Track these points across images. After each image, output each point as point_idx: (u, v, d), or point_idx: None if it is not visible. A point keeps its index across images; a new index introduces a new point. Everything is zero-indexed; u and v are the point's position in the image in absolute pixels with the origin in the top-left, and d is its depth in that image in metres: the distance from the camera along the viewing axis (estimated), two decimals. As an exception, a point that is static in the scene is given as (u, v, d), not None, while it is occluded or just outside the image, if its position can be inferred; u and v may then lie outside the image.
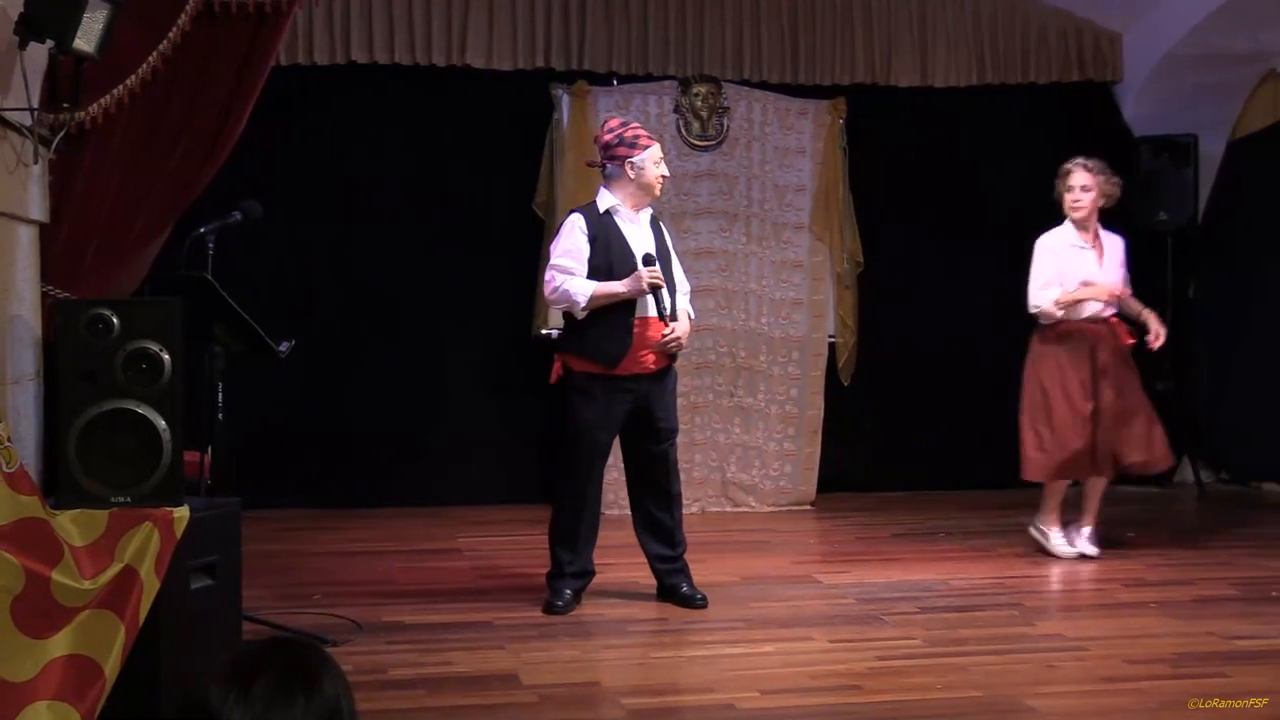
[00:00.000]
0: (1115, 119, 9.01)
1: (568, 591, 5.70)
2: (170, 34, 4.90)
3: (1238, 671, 4.71)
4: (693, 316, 5.88)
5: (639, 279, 5.49)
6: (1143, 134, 8.85)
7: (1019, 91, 8.86)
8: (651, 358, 5.61)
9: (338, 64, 7.94)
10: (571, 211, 5.82)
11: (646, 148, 5.65)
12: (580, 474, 5.68)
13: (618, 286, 5.52)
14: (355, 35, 7.92)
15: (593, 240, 5.60)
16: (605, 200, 5.68)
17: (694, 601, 5.70)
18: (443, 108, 8.18)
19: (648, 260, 5.52)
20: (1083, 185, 6.78)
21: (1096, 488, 6.83)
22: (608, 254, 5.58)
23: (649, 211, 5.78)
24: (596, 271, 5.57)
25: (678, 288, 5.79)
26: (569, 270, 5.57)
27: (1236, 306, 8.89)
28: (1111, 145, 8.89)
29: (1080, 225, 6.82)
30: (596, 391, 5.60)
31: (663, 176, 5.69)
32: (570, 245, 5.61)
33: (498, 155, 8.22)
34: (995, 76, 8.80)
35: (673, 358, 5.73)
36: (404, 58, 8.01)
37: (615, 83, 8.26)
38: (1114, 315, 6.83)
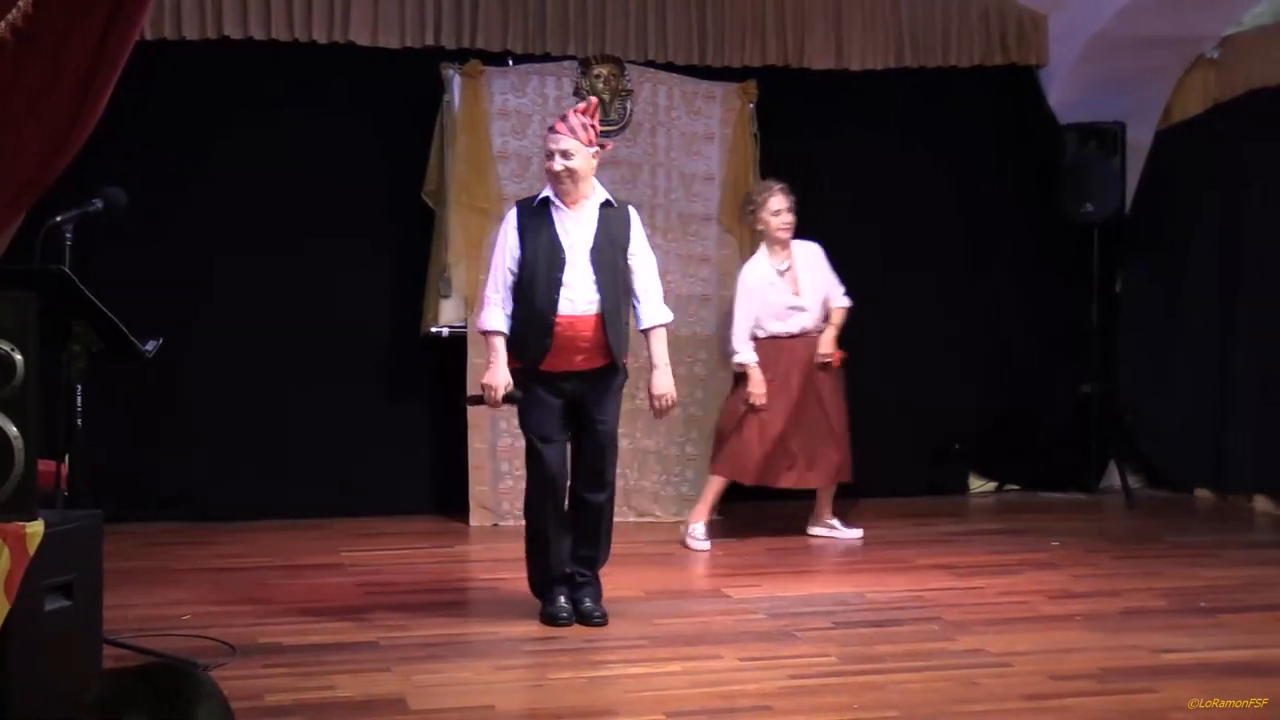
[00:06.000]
0: (1040, 105, 9.14)
1: (561, 599, 5.75)
2: (20, 2, 4.80)
3: (1166, 686, 4.81)
4: (666, 320, 5.93)
5: (489, 395, 5.70)
6: (1069, 121, 8.99)
7: (939, 75, 8.94)
8: (580, 358, 5.65)
9: (209, 39, 7.83)
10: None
11: (545, 140, 5.82)
12: (533, 473, 5.78)
13: (493, 363, 5.72)
14: (228, 8, 7.81)
15: (522, 231, 5.73)
16: (545, 191, 5.80)
17: (591, 618, 5.71)
18: (324, 89, 8.10)
19: (508, 399, 5.67)
20: (788, 207, 7.53)
21: None
22: (534, 247, 5.69)
23: (597, 200, 5.78)
24: (522, 265, 5.70)
25: (637, 294, 5.83)
26: (494, 289, 5.77)
27: (1165, 302, 9.06)
28: (1036, 132, 9.07)
29: (783, 246, 7.58)
30: (529, 386, 5.72)
31: (551, 168, 5.69)
32: (498, 252, 5.80)
33: (384, 140, 8.16)
34: (914, 59, 8.87)
35: (613, 359, 5.72)
36: (281, 34, 7.92)
37: (511, 62, 8.23)
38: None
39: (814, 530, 7.77)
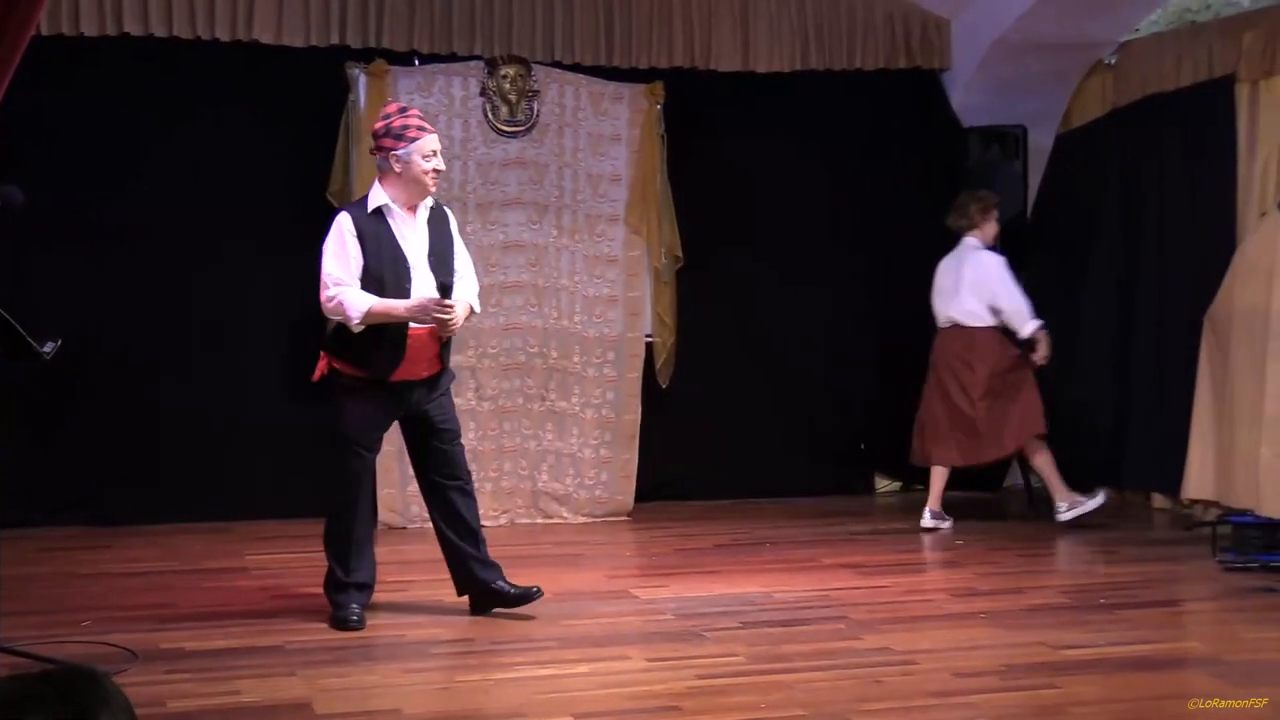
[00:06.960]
0: (944, 108, 9.23)
1: (354, 605, 5.69)
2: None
3: (1067, 682, 4.87)
4: (476, 310, 5.82)
5: (425, 310, 5.46)
6: (971, 124, 9.09)
7: (845, 78, 9.00)
8: (424, 365, 5.61)
9: (108, 35, 7.72)
10: (339, 210, 5.84)
11: (414, 140, 5.54)
12: (349, 479, 5.75)
13: (399, 309, 5.49)
14: (128, 5, 7.70)
15: (362, 239, 5.55)
16: (376, 197, 5.60)
17: (530, 594, 5.81)
18: (228, 87, 8.00)
19: (443, 290, 5.47)
20: None
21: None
22: (378, 259, 5.54)
23: (428, 204, 5.70)
24: (365, 277, 5.53)
25: (458, 283, 5.67)
26: (341, 281, 5.53)
27: (1066, 303, 9.18)
28: (940, 135, 9.15)
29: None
30: (364, 394, 5.65)
31: (436, 170, 5.57)
32: (339, 249, 5.56)
33: (289, 140, 8.08)
34: (820, 61, 8.92)
35: (444, 362, 5.70)
36: (184, 31, 7.82)
37: (416, 62, 8.19)
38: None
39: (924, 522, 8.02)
